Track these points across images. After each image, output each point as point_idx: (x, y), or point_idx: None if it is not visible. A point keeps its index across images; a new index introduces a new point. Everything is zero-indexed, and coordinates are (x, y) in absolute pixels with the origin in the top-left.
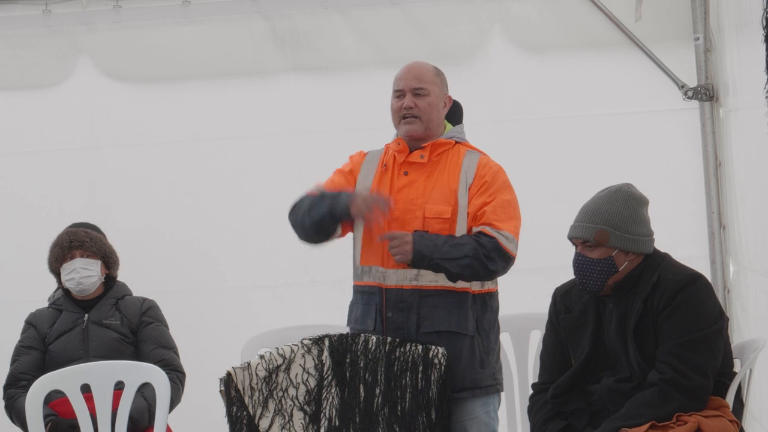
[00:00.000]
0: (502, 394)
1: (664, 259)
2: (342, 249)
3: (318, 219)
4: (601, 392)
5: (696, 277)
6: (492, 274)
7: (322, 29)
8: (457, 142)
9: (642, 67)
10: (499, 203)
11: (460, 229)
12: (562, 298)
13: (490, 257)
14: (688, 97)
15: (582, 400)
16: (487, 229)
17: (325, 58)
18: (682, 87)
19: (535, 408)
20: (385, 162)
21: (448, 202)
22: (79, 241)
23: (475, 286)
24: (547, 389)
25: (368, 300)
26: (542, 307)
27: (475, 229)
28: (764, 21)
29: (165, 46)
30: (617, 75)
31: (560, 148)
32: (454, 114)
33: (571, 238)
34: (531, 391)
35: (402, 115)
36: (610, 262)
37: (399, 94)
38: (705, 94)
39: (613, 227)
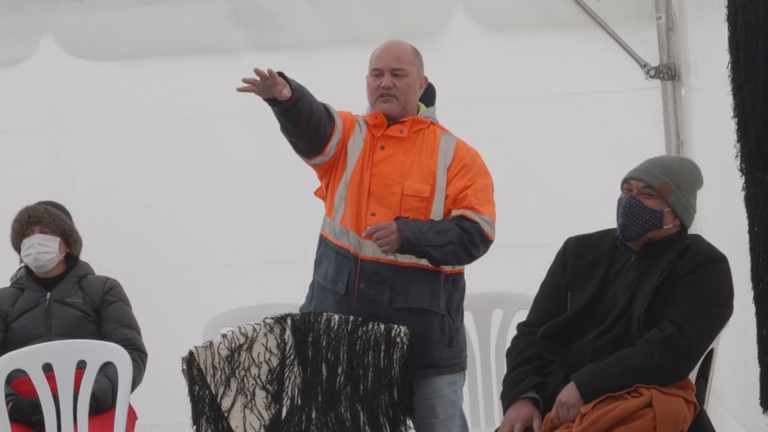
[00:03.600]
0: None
1: (697, 235)
2: (306, 229)
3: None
4: (581, 348)
5: (725, 258)
6: (473, 259)
7: (286, 8)
8: (432, 123)
9: (604, 47)
10: (479, 187)
11: (437, 210)
12: (576, 243)
13: (474, 242)
14: (650, 76)
15: (565, 357)
16: (469, 213)
17: (289, 37)
18: (644, 66)
19: (514, 352)
20: (364, 137)
21: (426, 181)
22: (38, 217)
23: (447, 266)
24: (531, 332)
25: (341, 262)
26: (505, 285)
27: (455, 212)
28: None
29: (128, 24)
30: (580, 54)
31: (523, 127)
32: (427, 96)
33: (630, 179)
34: (494, 366)
35: (379, 94)
36: (659, 216)
37: (377, 73)
38: (667, 73)
39: (677, 186)
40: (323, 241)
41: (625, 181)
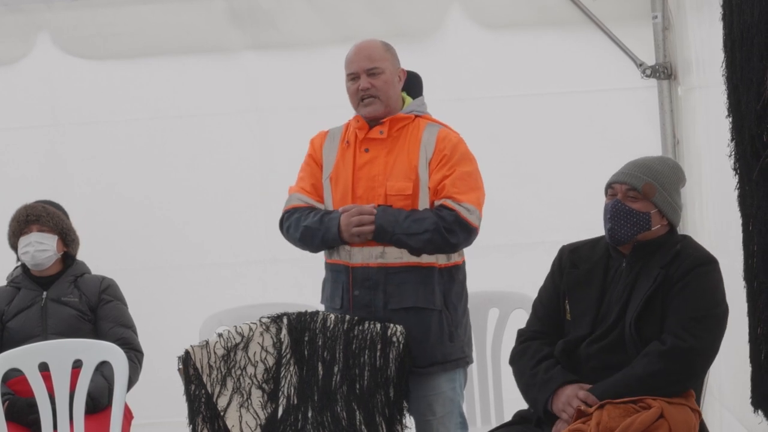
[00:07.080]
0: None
1: (686, 237)
2: None
3: (317, 247)
4: (577, 356)
5: (715, 260)
6: (454, 247)
7: (282, 6)
8: (417, 116)
9: (600, 46)
10: (458, 175)
11: (423, 205)
12: (570, 253)
13: (451, 230)
14: (647, 76)
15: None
16: (448, 202)
17: (285, 36)
18: (641, 65)
19: (528, 354)
20: (347, 139)
21: (408, 178)
22: (36, 216)
23: (441, 260)
24: (534, 337)
25: (336, 278)
26: (501, 284)
27: (436, 203)
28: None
29: (124, 24)
30: (576, 53)
31: (520, 126)
32: (414, 86)
33: (614, 184)
34: (490, 365)
35: (360, 97)
36: (646, 218)
37: (353, 76)
38: (663, 72)
39: (660, 186)
40: (325, 267)
41: (609, 186)
